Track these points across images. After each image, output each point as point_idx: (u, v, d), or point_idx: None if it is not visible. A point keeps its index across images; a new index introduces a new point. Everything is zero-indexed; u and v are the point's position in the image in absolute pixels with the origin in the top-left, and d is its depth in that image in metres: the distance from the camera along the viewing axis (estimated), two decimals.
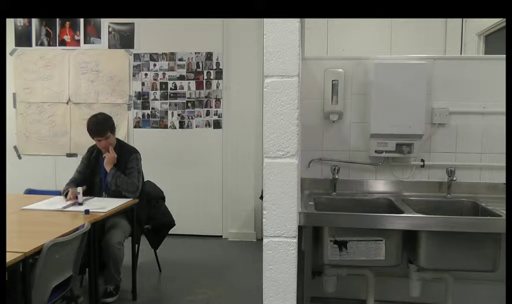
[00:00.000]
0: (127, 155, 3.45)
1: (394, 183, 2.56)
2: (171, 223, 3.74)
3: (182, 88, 4.95)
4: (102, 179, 3.44)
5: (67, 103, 5.08)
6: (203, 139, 4.94)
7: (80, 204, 3.07)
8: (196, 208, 4.96)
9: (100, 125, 3.33)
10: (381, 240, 2.09)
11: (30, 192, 3.64)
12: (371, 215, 2.10)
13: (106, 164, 3.36)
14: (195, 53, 4.89)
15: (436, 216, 2.14)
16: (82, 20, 5.03)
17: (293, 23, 1.75)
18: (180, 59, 4.92)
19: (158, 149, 4.95)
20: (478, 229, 2.03)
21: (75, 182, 3.38)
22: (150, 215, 3.65)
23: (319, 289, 2.42)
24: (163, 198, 3.81)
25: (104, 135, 3.33)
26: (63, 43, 5.08)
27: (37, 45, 5.11)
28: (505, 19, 2.73)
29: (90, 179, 3.46)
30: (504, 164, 2.35)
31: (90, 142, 3.47)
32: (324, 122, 2.60)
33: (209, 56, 4.88)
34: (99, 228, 3.02)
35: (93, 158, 3.50)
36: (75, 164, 4.85)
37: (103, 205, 3.06)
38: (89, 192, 3.39)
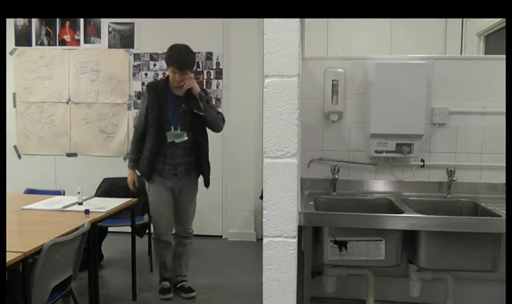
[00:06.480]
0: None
1: (394, 183, 2.56)
2: None
3: None
4: (170, 114, 3.20)
5: (67, 103, 5.07)
6: None
7: (80, 204, 3.07)
8: (196, 208, 4.94)
9: (192, 56, 3.11)
10: (381, 240, 2.09)
11: (30, 191, 3.64)
12: (371, 215, 2.10)
13: (194, 89, 3.15)
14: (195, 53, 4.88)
15: (436, 216, 2.14)
16: (82, 20, 5.02)
17: (293, 23, 1.75)
18: None
19: None
20: (478, 229, 2.03)
21: (138, 131, 3.21)
22: None
23: (319, 289, 2.42)
24: None
25: (191, 70, 3.08)
26: (63, 43, 5.07)
27: (37, 44, 5.10)
28: (505, 19, 2.73)
29: (156, 117, 3.17)
30: (504, 164, 2.35)
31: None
32: (324, 122, 2.60)
33: (209, 56, 4.88)
34: None
35: (158, 92, 3.20)
36: (75, 164, 4.91)
37: (103, 205, 3.06)
38: (159, 128, 3.15)
